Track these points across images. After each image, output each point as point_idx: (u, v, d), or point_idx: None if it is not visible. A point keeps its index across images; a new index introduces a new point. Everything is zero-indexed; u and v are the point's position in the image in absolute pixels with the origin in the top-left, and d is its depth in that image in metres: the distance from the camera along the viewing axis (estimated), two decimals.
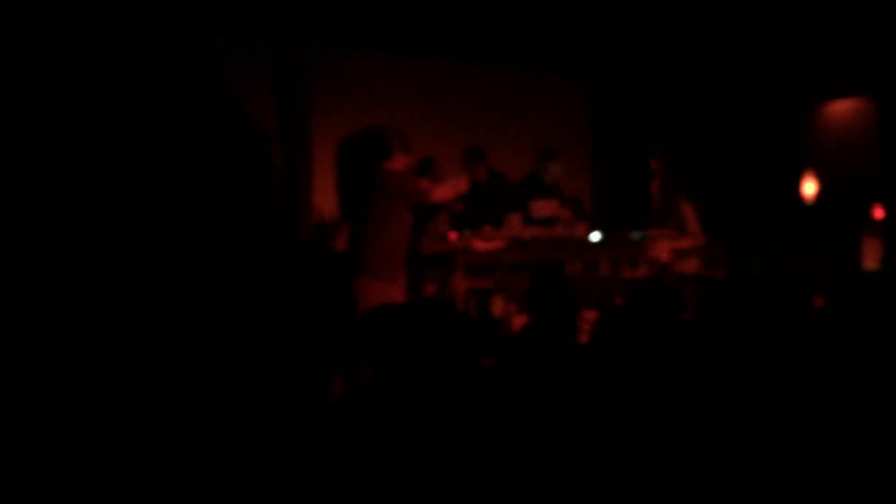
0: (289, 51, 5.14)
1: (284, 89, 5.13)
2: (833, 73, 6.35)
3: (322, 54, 5.66)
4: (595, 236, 5.46)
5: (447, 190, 4.62)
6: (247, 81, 5.07)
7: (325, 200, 5.35)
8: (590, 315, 3.82)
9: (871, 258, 6.15)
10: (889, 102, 6.21)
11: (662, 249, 5.40)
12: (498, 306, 4.82)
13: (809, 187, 6.63)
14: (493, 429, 1.83)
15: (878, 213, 6.16)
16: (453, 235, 5.28)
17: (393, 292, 4.11)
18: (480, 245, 5.10)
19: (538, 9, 5.88)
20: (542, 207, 5.75)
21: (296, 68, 5.16)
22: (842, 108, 6.66)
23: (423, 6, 5.63)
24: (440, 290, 5.07)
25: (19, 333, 1.13)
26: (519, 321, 4.65)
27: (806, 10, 5.79)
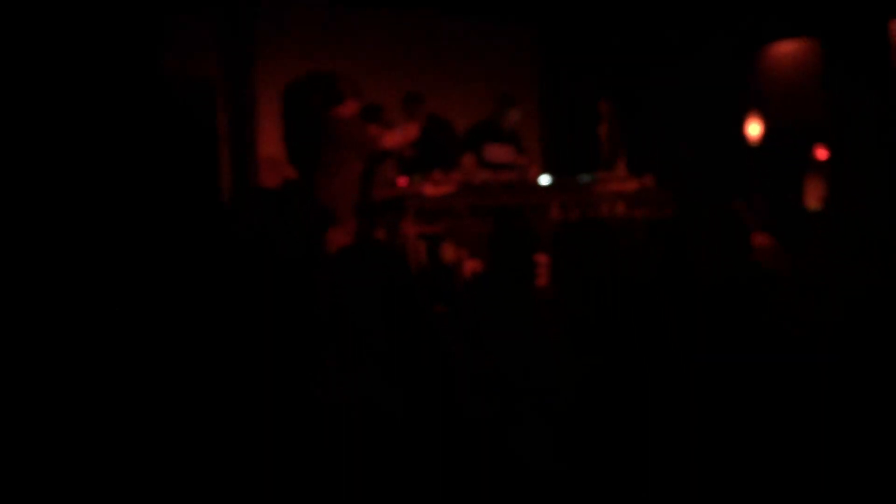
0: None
1: (227, 38, 5.01)
2: (779, 14, 6.39)
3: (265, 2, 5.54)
4: (544, 180, 5.48)
5: (397, 137, 4.59)
6: (189, 32, 4.95)
7: (271, 147, 5.28)
8: (542, 258, 3.84)
9: (813, 198, 6.28)
10: (833, 44, 6.28)
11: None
12: (448, 252, 4.82)
13: (754, 128, 6.71)
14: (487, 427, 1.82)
15: (821, 153, 6.27)
16: (403, 181, 5.24)
17: (341, 237, 4.10)
18: (430, 190, 5.07)
19: None
20: (498, 152, 5.75)
21: (239, 16, 5.04)
22: (787, 50, 6.72)
23: None
24: (390, 235, 5.05)
25: None
26: (470, 266, 4.67)
27: None
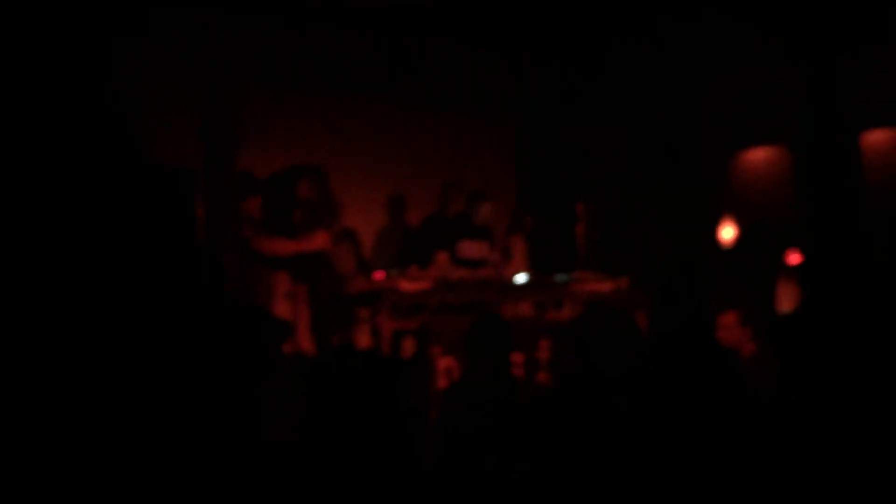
0: (216, 91, 5.10)
1: (211, 130, 5.06)
2: (752, 122, 6.58)
3: (250, 94, 5.62)
4: (521, 278, 5.50)
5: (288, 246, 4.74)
6: (173, 123, 5.00)
7: None
8: (517, 358, 3.82)
9: (786, 301, 6.34)
10: (805, 151, 6.45)
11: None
12: (408, 347, 4.81)
13: (728, 232, 6.81)
14: None
15: (793, 258, 6.37)
16: (379, 275, 5.24)
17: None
18: (406, 285, 5.08)
19: (469, 52, 5.97)
20: (471, 248, 5.78)
21: (222, 109, 5.11)
22: (760, 156, 6.89)
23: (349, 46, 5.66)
24: (368, 329, 5.02)
25: None
26: (444, 363, 4.64)
27: (726, 61, 6.02)
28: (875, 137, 6.21)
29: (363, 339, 4.96)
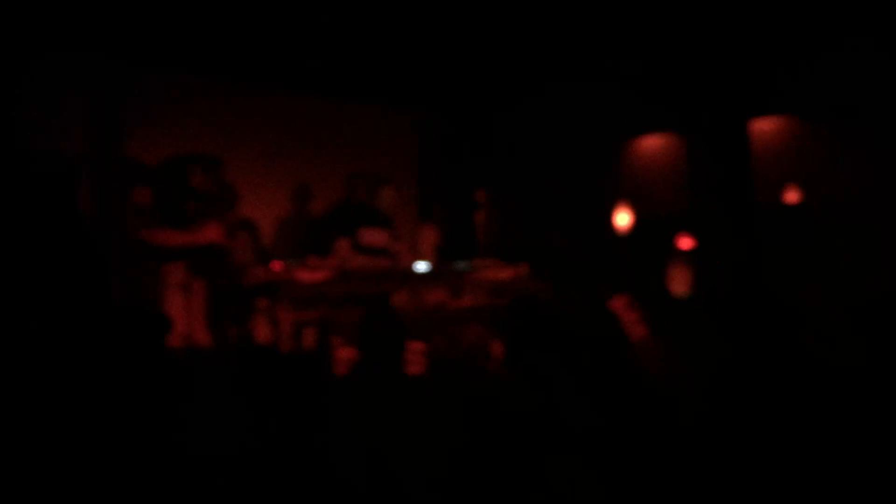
0: (102, 76, 4.91)
1: (96, 115, 4.88)
2: (644, 111, 6.75)
3: (138, 79, 5.43)
4: (421, 266, 5.49)
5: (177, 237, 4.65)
6: (58, 109, 4.80)
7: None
8: (417, 346, 3.82)
9: (678, 284, 6.53)
10: (693, 138, 6.66)
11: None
12: (308, 338, 4.75)
13: (623, 218, 6.97)
14: None
15: (684, 242, 6.56)
16: (277, 265, 5.15)
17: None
18: (305, 275, 5.00)
19: (369, 41, 5.90)
20: (372, 236, 5.74)
21: (109, 94, 4.93)
22: (652, 143, 7.07)
23: (246, 34, 5.52)
24: (266, 321, 4.93)
25: None
26: (343, 354, 4.59)
27: (619, 53, 6.13)
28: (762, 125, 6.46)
29: (262, 332, 4.88)
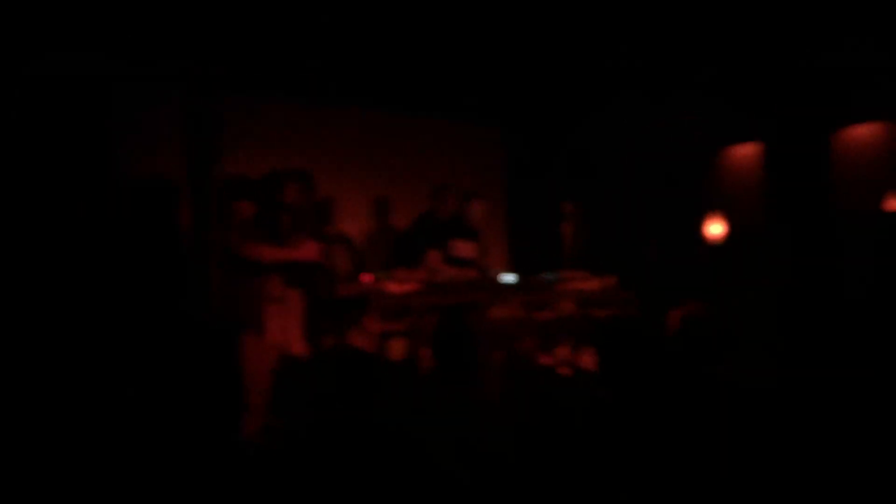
0: (199, 99, 5.11)
1: (194, 138, 5.08)
2: (732, 119, 6.63)
3: (233, 102, 5.64)
4: (508, 278, 5.52)
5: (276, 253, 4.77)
6: (157, 132, 5.04)
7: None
8: (499, 356, 3.85)
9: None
10: (772, 146, 6.51)
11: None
12: (396, 350, 4.83)
13: (716, 228, 6.85)
14: None
15: None
16: (367, 277, 5.27)
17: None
18: (394, 287, 5.10)
19: (453, 59, 6.00)
20: (463, 248, 5.81)
21: (206, 117, 5.13)
22: (742, 153, 6.94)
23: (335, 54, 5.69)
24: (357, 331, 5.04)
25: None
26: (426, 355, 4.68)
27: (709, 62, 6.06)
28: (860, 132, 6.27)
29: (357, 342, 4.99)
